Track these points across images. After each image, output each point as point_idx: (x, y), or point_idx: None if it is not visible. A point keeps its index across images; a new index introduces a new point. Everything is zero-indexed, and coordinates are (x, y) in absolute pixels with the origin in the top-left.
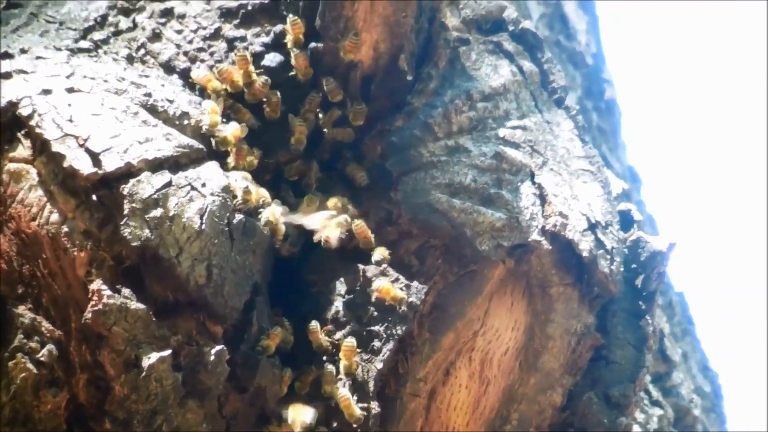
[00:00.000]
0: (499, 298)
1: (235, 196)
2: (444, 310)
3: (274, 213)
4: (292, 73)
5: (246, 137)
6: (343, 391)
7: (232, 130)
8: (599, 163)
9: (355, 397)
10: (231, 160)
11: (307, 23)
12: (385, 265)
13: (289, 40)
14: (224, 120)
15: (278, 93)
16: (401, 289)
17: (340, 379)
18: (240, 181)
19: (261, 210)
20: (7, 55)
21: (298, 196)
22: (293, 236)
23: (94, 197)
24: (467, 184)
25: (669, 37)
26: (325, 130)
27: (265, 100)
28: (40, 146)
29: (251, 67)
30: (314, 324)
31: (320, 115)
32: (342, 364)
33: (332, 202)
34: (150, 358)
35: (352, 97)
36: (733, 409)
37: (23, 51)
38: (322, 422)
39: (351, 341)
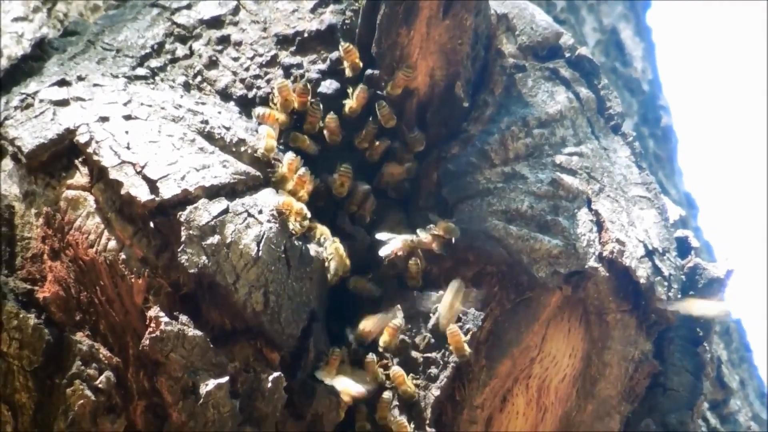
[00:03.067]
0: (556, 325)
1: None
2: (500, 337)
3: (339, 249)
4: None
5: (304, 162)
6: (400, 418)
7: (287, 161)
8: (656, 190)
9: (412, 425)
10: (290, 186)
11: (363, 51)
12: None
13: (346, 67)
14: (281, 148)
15: (337, 117)
16: (457, 317)
17: (395, 406)
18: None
19: (321, 240)
20: (64, 83)
21: (355, 224)
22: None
23: (151, 224)
24: (524, 211)
25: (724, 62)
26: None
27: (323, 126)
28: (98, 173)
29: (309, 98)
30: (371, 356)
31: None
32: (400, 390)
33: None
34: (207, 385)
35: (408, 125)
36: None
37: (80, 78)
38: None
39: (397, 369)
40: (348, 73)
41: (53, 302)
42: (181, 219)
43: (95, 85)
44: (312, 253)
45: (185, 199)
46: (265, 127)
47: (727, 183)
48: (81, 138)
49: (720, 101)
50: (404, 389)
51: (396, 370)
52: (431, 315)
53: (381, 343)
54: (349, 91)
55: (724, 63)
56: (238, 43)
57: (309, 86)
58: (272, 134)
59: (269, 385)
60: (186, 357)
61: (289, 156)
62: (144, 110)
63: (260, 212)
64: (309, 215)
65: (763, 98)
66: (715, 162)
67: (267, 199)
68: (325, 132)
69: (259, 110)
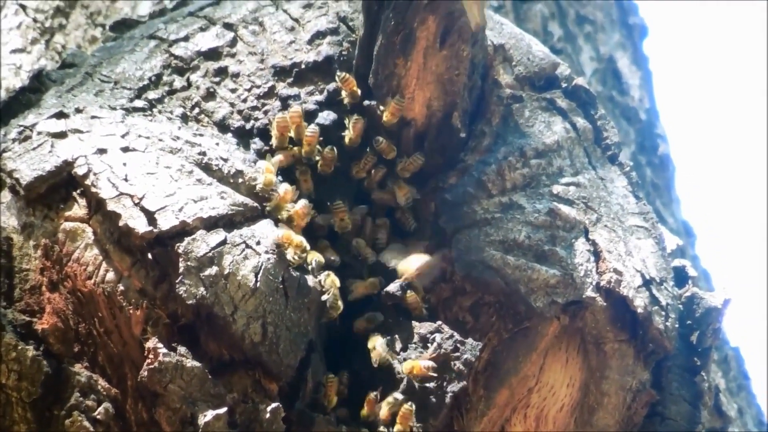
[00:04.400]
0: (554, 355)
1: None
2: (498, 366)
3: (337, 295)
4: (344, 132)
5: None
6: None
7: (284, 191)
8: (653, 219)
9: None
10: (285, 215)
11: (360, 82)
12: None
13: (345, 96)
14: (279, 180)
15: (335, 149)
16: (455, 347)
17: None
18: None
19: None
20: (62, 115)
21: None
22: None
23: (149, 256)
24: (521, 241)
25: (723, 79)
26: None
27: (319, 153)
28: (96, 205)
29: (304, 124)
30: (372, 395)
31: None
32: (396, 428)
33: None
34: (206, 416)
35: (406, 154)
36: None
37: (78, 110)
38: None
39: (409, 406)
40: (347, 101)
41: (52, 334)
42: (179, 250)
43: (93, 117)
44: (310, 283)
45: (183, 231)
46: (264, 162)
47: (725, 208)
48: (79, 170)
49: (718, 121)
50: (400, 429)
51: (407, 409)
52: (429, 344)
53: (381, 415)
54: (346, 121)
55: (723, 80)
56: (236, 75)
57: (300, 108)
58: (271, 168)
59: (267, 415)
60: (184, 388)
61: (286, 186)
62: (142, 142)
63: (258, 243)
64: (308, 248)
65: (764, 118)
66: (713, 188)
67: (265, 230)
68: (319, 161)
69: (275, 159)
